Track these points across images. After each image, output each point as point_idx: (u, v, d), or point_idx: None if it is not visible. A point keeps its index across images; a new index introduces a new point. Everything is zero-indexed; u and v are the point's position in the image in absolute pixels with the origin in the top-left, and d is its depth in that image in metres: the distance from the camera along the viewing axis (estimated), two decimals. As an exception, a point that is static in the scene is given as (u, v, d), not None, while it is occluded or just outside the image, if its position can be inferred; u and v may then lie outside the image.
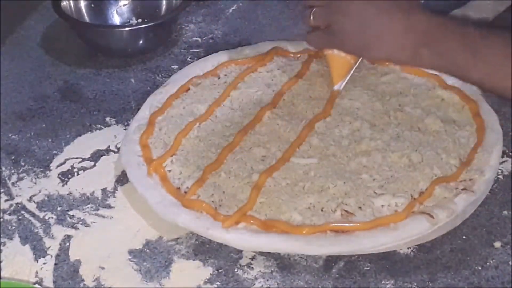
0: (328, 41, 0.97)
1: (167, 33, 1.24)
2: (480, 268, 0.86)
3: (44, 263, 0.88)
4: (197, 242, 0.90)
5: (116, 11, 1.27)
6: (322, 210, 0.89)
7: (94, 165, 1.01)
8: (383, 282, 0.85)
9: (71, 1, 1.23)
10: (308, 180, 0.92)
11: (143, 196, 0.92)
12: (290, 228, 0.87)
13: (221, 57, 1.14)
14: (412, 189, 0.91)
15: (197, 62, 1.14)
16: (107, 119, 1.09)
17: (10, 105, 1.12)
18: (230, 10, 1.33)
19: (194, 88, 1.09)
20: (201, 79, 1.10)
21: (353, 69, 1.02)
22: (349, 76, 1.02)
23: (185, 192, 0.92)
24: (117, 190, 0.97)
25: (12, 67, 1.20)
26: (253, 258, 0.88)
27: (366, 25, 0.91)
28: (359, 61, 1.02)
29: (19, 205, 0.95)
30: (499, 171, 0.97)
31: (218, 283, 0.85)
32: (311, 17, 0.96)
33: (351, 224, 0.87)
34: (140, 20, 1.25)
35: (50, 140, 1.06)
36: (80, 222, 0.93)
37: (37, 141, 1.05)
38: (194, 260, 0.88)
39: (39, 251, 0.89)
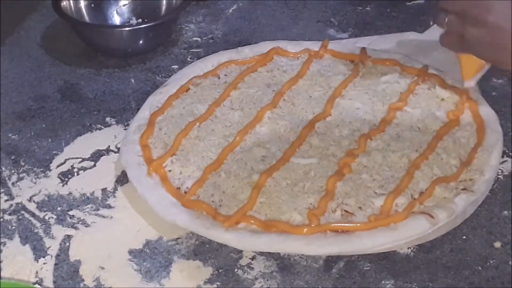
0: (462, 47, 0.95)
1: (167, 33, 1.24)
2: (480, 268, 0.86)
3: (44, 263, 0.88)
4: (197, 242, 0.90)
5: (116, 11, 1.27)
6: (322, 210, 0.89)
7: (94, 165, 1.01)
8: (383, 282, 0.85)
9: (71, 1, 1.23)
10: (308, 180, 0.92)
11: (143, 196, 0.92)
12: (290, 228, 0.86)
13: (221, 57, 1.14)
14: (412, 189, 0.91)
15: (197, 62, 1.14)
16: (107, 119, 1.09)
17: (10, 105, 1.12)
18: (230, 10, 1.33)
19: (194, 88, 1.09)
20: (201, 79, 1.10)
21: (486, 69, 1.00)
22: (480, 75, 1.01)
23: (185, 192, 0.92)
24: (117, 190, 0.97)
25: (12, 67, 1.20)
26: (253, 258, 0.88)
27: (502, 41, 0.87)
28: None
29: (19, 205, 0.95)
30: (499, 171, 0.97)
31: (218, 283, 0.85)
32: (445, 22, 0.94)
33: (351, 224, 0.87)
34: (140, 20, 1.25)
35: (50, 140, 1.06)
36: (80, 222, 0.93)
37: (37, 141, 1.05)
38: (194, 260, 0.88)
39: (39, 251, 0.89)
